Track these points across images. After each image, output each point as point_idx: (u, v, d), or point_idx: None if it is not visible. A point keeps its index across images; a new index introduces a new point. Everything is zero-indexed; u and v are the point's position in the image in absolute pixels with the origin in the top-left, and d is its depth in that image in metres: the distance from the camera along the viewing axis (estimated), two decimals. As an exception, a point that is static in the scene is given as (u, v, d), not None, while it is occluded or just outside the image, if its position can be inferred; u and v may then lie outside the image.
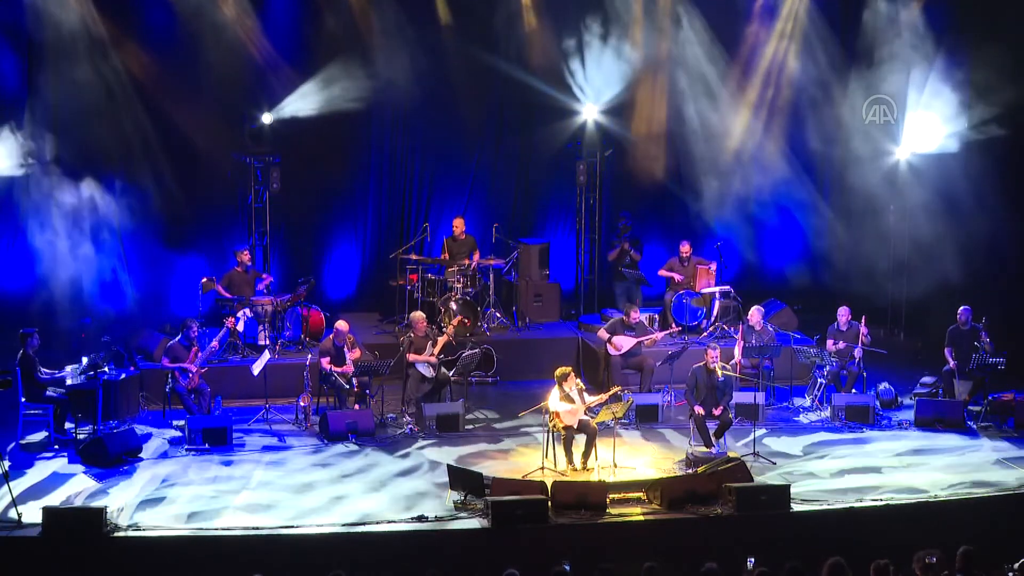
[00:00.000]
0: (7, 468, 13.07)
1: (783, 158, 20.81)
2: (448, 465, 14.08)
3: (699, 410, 15.12)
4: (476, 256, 19.10)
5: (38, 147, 18.51)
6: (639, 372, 17.42)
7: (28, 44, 18.56)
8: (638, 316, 17.61)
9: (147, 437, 15.52)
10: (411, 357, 16.49)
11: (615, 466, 14.53)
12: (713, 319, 19.12)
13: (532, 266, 19.79)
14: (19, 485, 13.52)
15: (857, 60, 20.52)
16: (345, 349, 16.47)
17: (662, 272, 19.37)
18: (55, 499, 13.40)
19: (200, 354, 16.21)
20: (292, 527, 12.84)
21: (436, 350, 16.59)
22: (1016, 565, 10.60)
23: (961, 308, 17.27)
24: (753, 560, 11.33)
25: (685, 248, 19.25)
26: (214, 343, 16.51)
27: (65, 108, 18.80)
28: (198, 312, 17.89)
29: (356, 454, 15.26)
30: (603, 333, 17.65)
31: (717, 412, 15.09)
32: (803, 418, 16.75)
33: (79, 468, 14.48)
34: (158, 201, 19.34)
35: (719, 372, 15.20)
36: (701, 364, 15.31)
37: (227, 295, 17.96)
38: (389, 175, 20.47)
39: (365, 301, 20.44)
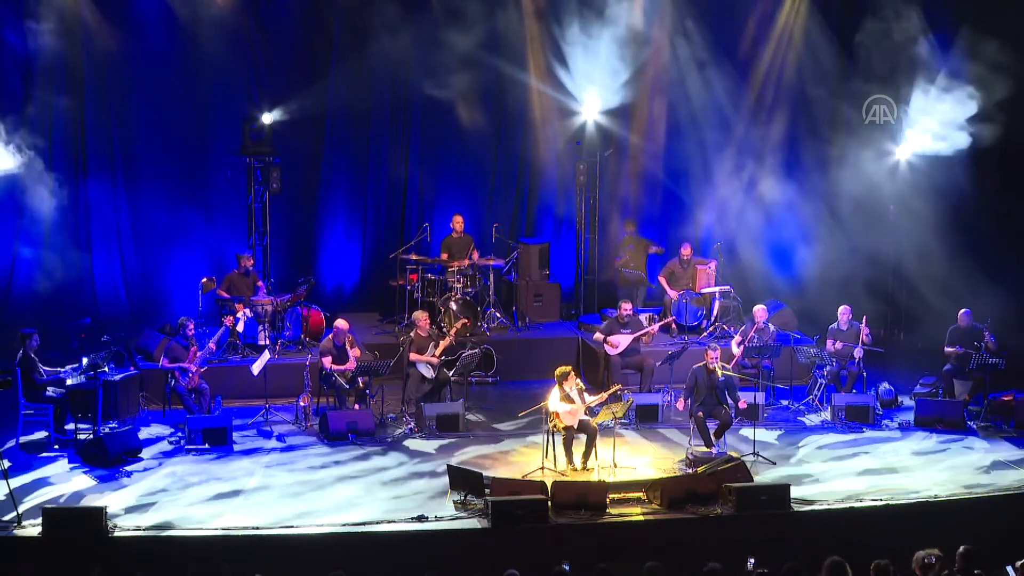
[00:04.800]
0: (7, 468, 13.06)
1: (782, 157, 20.81)
2: (448, 465, 14.08)
3: (680, 406, 15.46)
4: (475, 256, 19.10)
5: (37, 146, 18.51)
6: (639, 372, 17.42)
7: (26, 42, 18.55)
8: (629, 310, 17.60)
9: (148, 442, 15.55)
10: (413, 357, 16.48)
11: (615, 466, 14.53)
12: (713, 319, 19.11)
13: (532, 266, 19.78)
14: (19, 485, 13.51)
15: (857, 60, 20.52)
16: (347, 347, 16.48)
17: (661, 279, 19.33)
18: (55, 499, 13.40)
19: (200, 354, 16.20)
20: (292, 527, 12.84)
21: (438, 351, 16.57)
22: (1017, 565, 10.60)
23: (962, 311, 17.28)
24: (753, 560, 11.33)
25: (686, 251, 19.24)
26: (211, 344, 16.49)
27: (64, 107, 18.82)
28: (198, 312, 17.87)
29: (356, 454, 15.25)
30: (599, 335, 17.68)
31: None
32: (805, 420, 16.78)
33: (79, 468, 14.48)
34: (158, 201, 19.37)
35: (719, 372, 15.21)
36: (701, 364, 15.32)
37: (226, 296, 17.96)
38: (389, 175, 20.44)
39: (365, 301, 20.42)
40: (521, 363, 18.53)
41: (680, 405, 15.60)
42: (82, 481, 14.09)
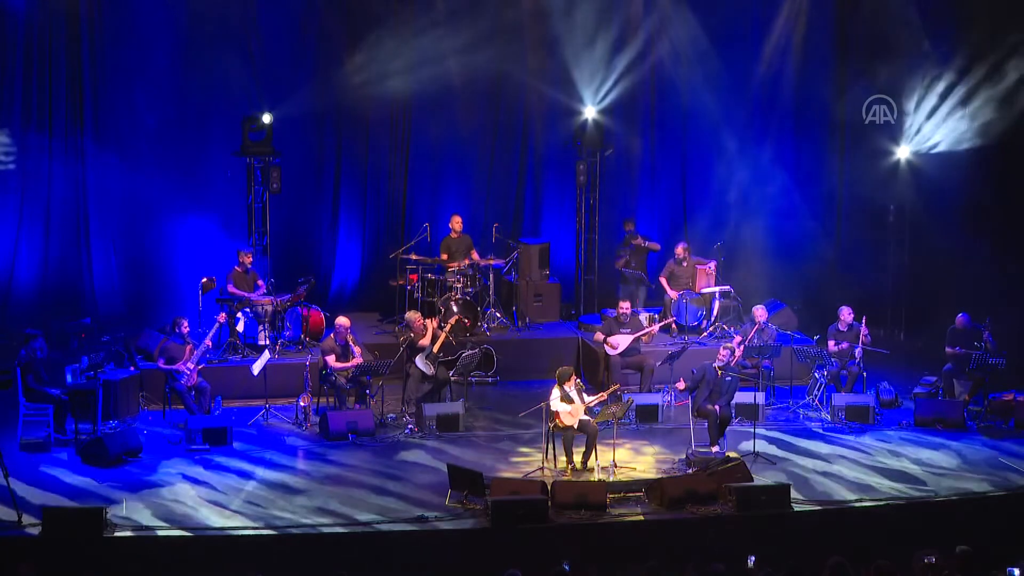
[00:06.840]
0: (7, 468, 13.06)
1: (782, 156, 20.81)
2: (448, 465, 14.07)
3: (680, 385, 15.40)
4: (474, 255, 19.09)
5: (36, 145, 18.51)
6: (639, 372, 17.41)
7: (23, 38, 18.55)
8: (628, 309, 17.59)
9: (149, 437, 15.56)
10: (421, 342, 16.41)
11: (615, 466, 14.53)
12: (713, 319, 19.10)
13: (532, 266, 19.78)
14: (19, 485, 13.51)
15: (857, 60, 20.53)
16: (349, 343, 16.49)
17: (661, 279, 19.31)
18: (55, 499, 13.39)
19: (196, 352, 16.19)
20: (292, 527, 12.84)
21: (436, 348, 16.54)
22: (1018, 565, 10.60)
23: (960, 315, 17.26)
24: (754, 559, 11.33)
25: (680, 250, 19.20)
26: (208, 341, 16.48)
27: (63, 106, 18.81)
28: (198, 312, 17.87)
29: (356, 454, 15.25)
30: (599, 335, 17.68)
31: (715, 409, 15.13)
32: (803, 417, 16.81)
33: (79, 468, 14.47)
34: (158, 201, 19.36)
35: (719, 372, 15.20)
36: (712, 362, 15.33)
37: (238, 292, 17.92)
38: (389, 175, 20.44)
39: (365, 301, 20.41)
40: (521, 363, 18.53)
41: (680, 385, 15.52)
42: (82, 481, 14.09)
